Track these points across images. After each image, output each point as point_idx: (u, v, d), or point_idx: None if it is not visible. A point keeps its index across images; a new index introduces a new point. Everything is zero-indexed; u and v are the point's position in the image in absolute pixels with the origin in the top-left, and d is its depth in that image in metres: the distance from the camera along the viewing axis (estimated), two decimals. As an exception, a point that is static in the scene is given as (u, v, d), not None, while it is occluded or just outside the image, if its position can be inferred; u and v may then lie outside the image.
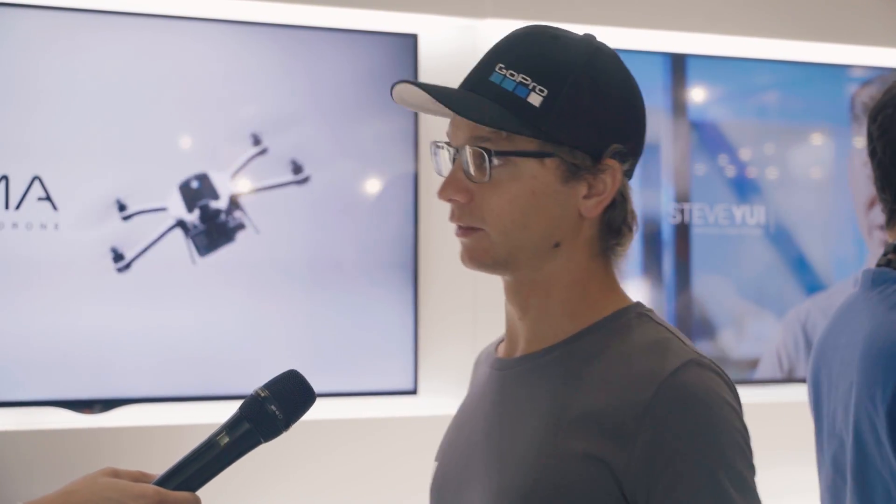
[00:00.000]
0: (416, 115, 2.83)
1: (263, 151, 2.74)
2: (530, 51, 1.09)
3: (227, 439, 1.03)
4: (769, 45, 3.23)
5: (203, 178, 2.70)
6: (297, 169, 2.76)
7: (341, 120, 2.81)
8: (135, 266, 2.63)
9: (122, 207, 2.63)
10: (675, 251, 3.14)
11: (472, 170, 1.08)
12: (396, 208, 2.84)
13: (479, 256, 1.11)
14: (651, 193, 3.14)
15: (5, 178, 2.56)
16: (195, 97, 2.70)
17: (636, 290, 3.08)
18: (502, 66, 1.08)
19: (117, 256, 2.62)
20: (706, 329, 3.16)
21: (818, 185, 3.32)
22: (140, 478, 1.02)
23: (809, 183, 3.30)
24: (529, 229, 1.08)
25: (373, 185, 2.84)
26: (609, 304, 1.13)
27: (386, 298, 2.82)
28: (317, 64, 2.79)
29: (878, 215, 3.19)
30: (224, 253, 2.70)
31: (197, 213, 2.68)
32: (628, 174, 1.12)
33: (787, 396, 3.13)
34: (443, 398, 2.80)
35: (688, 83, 3.17)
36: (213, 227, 2.70)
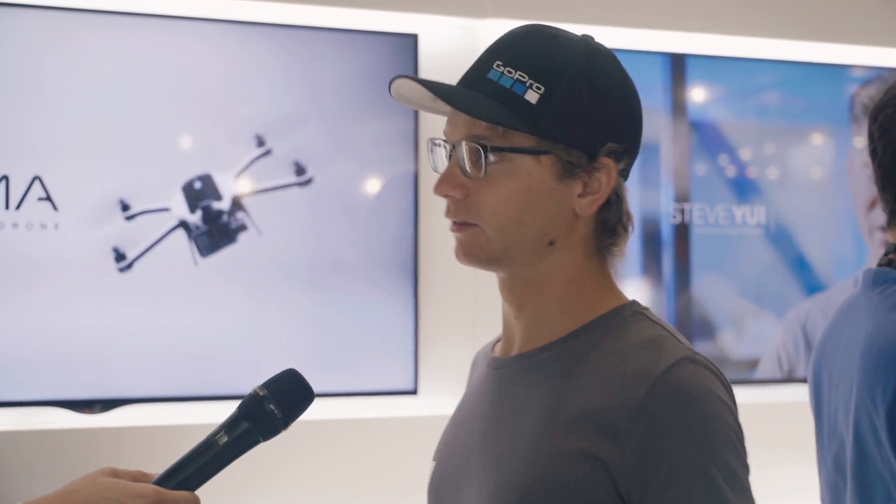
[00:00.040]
0: (416, 115, 2.84)
1: (267, 153, 2.74)
2: (528, 49, 1.10)
3: (225, 438, 1.03)
4: (769, 45, 3.23)
5: (206, 179, 2.70)
6: (299, 171, 2.76)
7: (341, 120, 2.81)
8: (136, 266, 2.63)
9: (125, 207, 2.63)
10: (675, 251, 3.14)
11: (467, 166, 1.08)
12: (397, 208, 2.84)
13: (473, 251, 1.11)
14: (651, 193, 3.14)
15: (6, 178, 2.56)
16: (196, 97, 2.70)
17: (636, 290, 3.08)
18: (500, 63, 1.09)
19: (119, 256, 2.62)
20: (706, 329, 3.16)
21: (818, 186, 3.32)
22: (139, 477, 1.02)
23: (809, 183, 3.30)
24: (524, 226, 1.09)
25: (373, 186, 2.84)
26: (604, 302, 1.13)
27: (386, 298, 2.82)
28: (317, 64, 2.79)
29: (879, 216, 3.20)
30: (225, 253, 2.70)
31: (199, 213, 2.68)
32: (624, 174, 1.13)
33: (787, 396, 3.13)
34: (443, 398, 2.79)
35: (687, 83, 3.17)
36: (215, 228, 2.70)
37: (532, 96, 1.06)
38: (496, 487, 1.08)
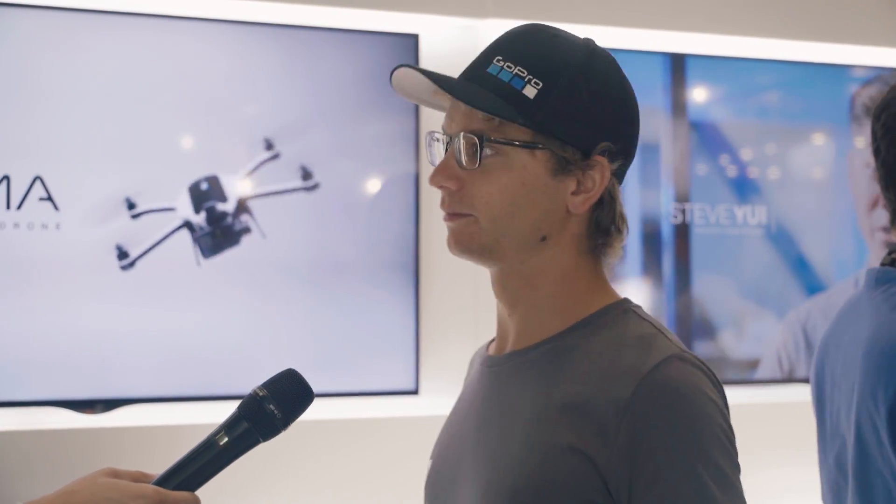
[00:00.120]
0: (416, 115, 2.84)
1: (275, 157, 2.74)
2: (529, 46, 1.11)
3: (225, 439, 1.04)
4: (769, 45, 3.23)
5: (213, 180, 2.70)
6: (306, 175, 2.76)
7: (342, 121, 2.81)
8: (138, 266, 2.63)
9: (131, 206, 2.63)
10: (676, 251, 3.14)
11: (463, 157, 1.09)
12: (397, 209, 2.84)
13: (465, 241, 1.11)
14: (651, 193, 3.14)
15: (6, 178, 2.56)
16: (197, 97, 2.70)
17: (636, 290, 3.08)
18: (500, 58, 1.10)
19: (122, 254, 2.62)
20: (706, 329, 3.16)
21: (819, 186, 3.32)
22: (140, 478, 1.02)
23: (810, 183, 3.30)
24: (517, 219, 1.09)
25: (374, 186, 2.85)
26: (596, 300, 1.13)
27: (387, 299, 2.82)
28: (318, 64, 2.79)
29: (880, 217, 3.21)
30: (228, 255, 2.70)
31: (203, 214, 2.68)
32: (619, 176, 1.14)
33: (788, 397, 3.13)
34: (444, 398, 2.77)
35: (687, 83, 3.16)
36: (218, 230, 2.70)
37: (530, 91, 1.07)
38: (489, 486, 1.08)
